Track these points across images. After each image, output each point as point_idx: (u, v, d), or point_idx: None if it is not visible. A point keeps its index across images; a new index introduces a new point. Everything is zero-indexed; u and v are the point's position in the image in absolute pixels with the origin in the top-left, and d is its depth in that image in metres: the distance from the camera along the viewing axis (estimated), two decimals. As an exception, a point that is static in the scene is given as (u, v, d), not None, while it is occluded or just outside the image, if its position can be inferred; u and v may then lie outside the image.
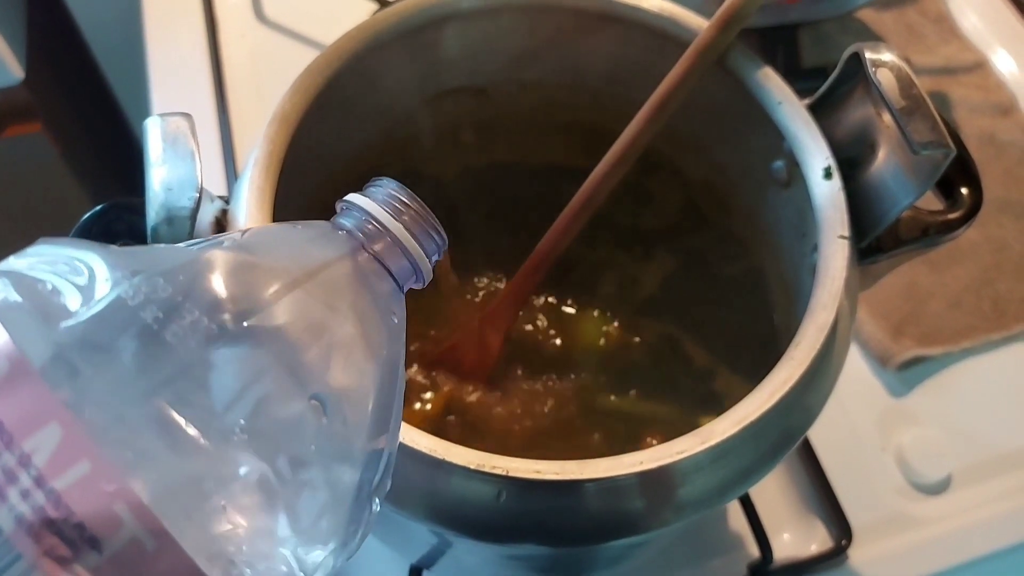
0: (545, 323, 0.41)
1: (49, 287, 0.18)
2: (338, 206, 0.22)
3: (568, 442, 0.38)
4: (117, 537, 0.16)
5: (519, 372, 0.39)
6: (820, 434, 0.43)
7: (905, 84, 0.29)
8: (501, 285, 0.41)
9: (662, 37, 0.35)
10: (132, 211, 0.28)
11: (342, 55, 0.33)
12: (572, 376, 0.39)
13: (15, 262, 0.19)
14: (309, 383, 0.19)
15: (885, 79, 0.29)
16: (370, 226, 0.21)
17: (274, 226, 0.26)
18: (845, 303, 0.29)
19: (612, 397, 0.39)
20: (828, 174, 0.31)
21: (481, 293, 0.41)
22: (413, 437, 0.25)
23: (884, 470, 0.43)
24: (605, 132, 0.35)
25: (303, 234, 0.22)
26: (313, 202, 0.34)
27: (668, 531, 0.27)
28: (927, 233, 0.31)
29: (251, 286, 0.19)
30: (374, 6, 0.54)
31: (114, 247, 0.19)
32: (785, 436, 0.28)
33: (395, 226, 0.21)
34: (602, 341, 0.40)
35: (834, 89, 0.32)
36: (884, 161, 0.30)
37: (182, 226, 0.27)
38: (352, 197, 0.22)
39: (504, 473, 0.25)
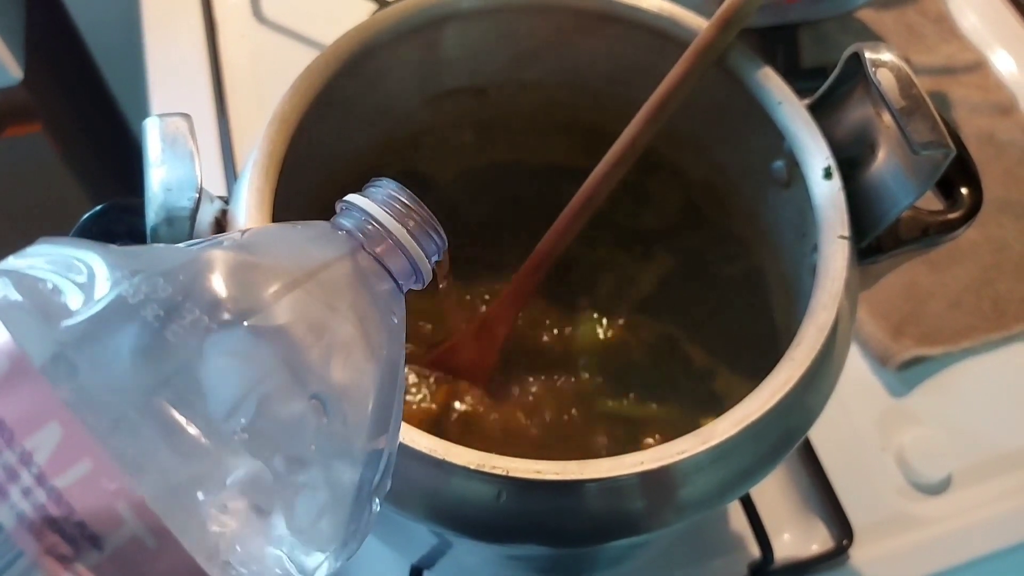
0: (545, 323, 0.41)
1: (50, 286, 0.18)
2: (338, 206, 0.22)
3: (568, 442, 0.37)
4: (118, 535, 0.16)
5: (519, 372, 0.39)
6: (821, 434, 0.43)
7: (905, 84, 0.29)
8: (501, 285, 0.41)
9: (662, 37, 0.35)
10: (131, 211, 0.28)
11: (342, 55, 0.33)
12: (572, 376, 0.39)
13: (15, 261, 0.19)
14: (309, 383, 0.19)
15: (885, 79, 0.29)
16: (370, 226, 0.21)
17: (274, 226, 0.26)
18: (845, 303, 0.29)
19: (612, 397, 0.39)
20: (828, 174, 0.31)
21: (481, 293, 0.41)
22: (413, 437, 0.25)
23: (885, 470, 0.43)
24: (605, 132, 0.35)
25: (303, 234, 0.22)
26: (313, 202, 0.34)
27: (669, 531, 0.27)
28: (927, 233, 0.31)
29: (251, 286, 0.19)
30: (374, 6, 0.54)
31: (114, 247, 0.19)
32: (786, 436, 0.28)
33: (395, 226, 0.21)
34: (602, 341, 0.40)
35: (834, 89, 0.32)
36: (884, 161, 0.30)
37: (182, 226, 0.27)
38: (352, 197, 0.22)
39: (504, 473, 0.25)
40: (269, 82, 0.53)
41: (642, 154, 0.35)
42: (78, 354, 0.17)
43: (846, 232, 0.29)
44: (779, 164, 0.34)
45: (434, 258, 0.22)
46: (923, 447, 0.43)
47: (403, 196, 0.22)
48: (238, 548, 0.17)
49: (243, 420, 0.18)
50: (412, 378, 0.38)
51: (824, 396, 0.29)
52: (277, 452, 0.18)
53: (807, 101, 0.33)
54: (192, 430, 0.17)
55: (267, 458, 0.18)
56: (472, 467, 0.25)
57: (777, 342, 0.35)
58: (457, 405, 0.38)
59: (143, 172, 0.27)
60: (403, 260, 0.21)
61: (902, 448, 0.44)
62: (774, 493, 0.42)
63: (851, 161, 0.31)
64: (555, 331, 0.40)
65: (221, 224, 0.29)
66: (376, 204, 0.21)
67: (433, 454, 0.25)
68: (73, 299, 0.17)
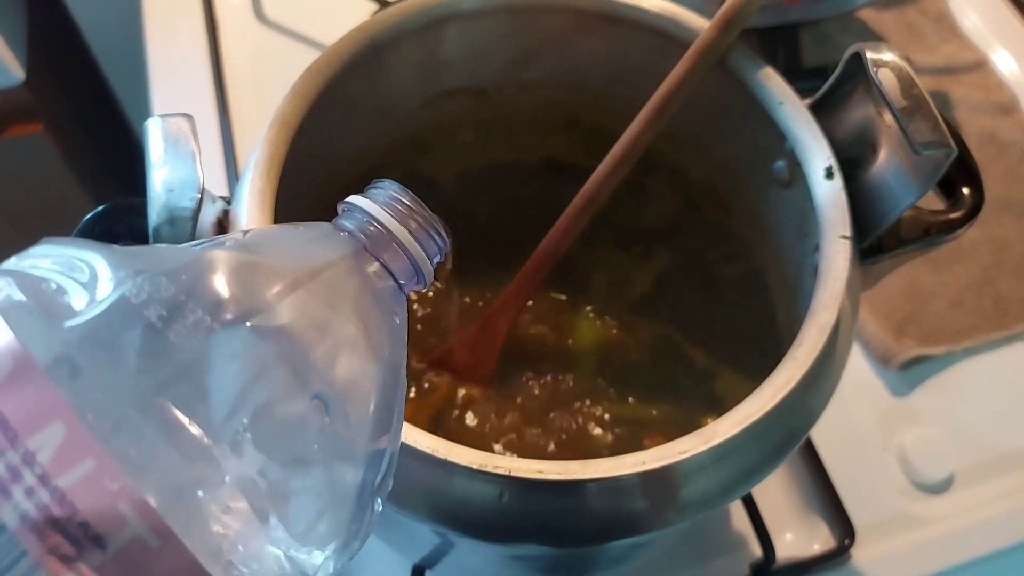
0: (546, 324, 0.41)
1: (53, 286, 0.18)
2: (340, 208, 0.22)
3: (570, 442, 0.37)
4: (121, 535, 0.16)
5: (520, 372, 0.39)
6: (822, 434, 0.43)
7: (906, 84, 0.29)
8: (502, 286, 0.41)
9: (663, 37, 0.35)
10: (133, 212, 0.28)
11: (342, 56, 0.33)
12: (573, 376, 0.39)
13: (19, 262, 0.19)
14: (311, 383, 0.19)
15: (886, 79, 0.29)
16: (372, 227, 0.21)
17: (276, 227, 0.26)
18: (847, 303, 0.29)
19: (613, 398, 0.39)
20: (829, 174, 0.31)
21: (482, 294, 0.41)
22: (415, 437, 0.25)
23: (886, 470, 0.43)
24: (606, 132, 0.35)
25: (305, 235, 0.22)
26: (314, 202, 0.34)
27: (671, 531, 0.27)
28: (929, 233, 0.31)
29: (254, 286, 0.19)
30: (374, 6, 0.54)
31: (117, 247, 0.19)
32: (788, 436, 0.28)
33: (397, 228, 0.21)
34: (603, 341, 0.40)
35: (835, 89, 0.32)
36: (885, 161, 0.30)
37: (184, 227, 0.27)
38: (354, 199, 0.22)
39: (506, 473, 0.25)
40: (270, 82, 0.54)
41: (643, 154, 0.35)
42: (81, 354, 0.17)
43: (848, 232, 0.29)
44: (780, 164, 0.34)
45: (436, 259, 0.22)
46: (925, 447, 0.43)
47: (405, 197, 0.22)
48: (240, 548, 0.17)
49: (245, 420, 0.18)
50: (414, 378, 0.38)
51: (826, 396, 0.29)
52: (279, 452, 0.18)
53: (808, 101, 0.33)
54: (195, 430, 0.17)
55: (269, 458, 0.18)
56: (474, 467, 0.25)
57: (778, 342, 0.35)
58: (459, 405, 0.38)
59: (145, 172, 0.27)
60: (405, 261, 0.22)
61: (904, 448, 0.44)
62: (776, 493, 0.42)
63: (852, 161, 0.31)
64: (556, 331, 0.40)
65: (223, 224, 0.29)
66: (378, 205, 0.21)
67: (435, 454, 0.25)
68: (76, 299, 0.17)
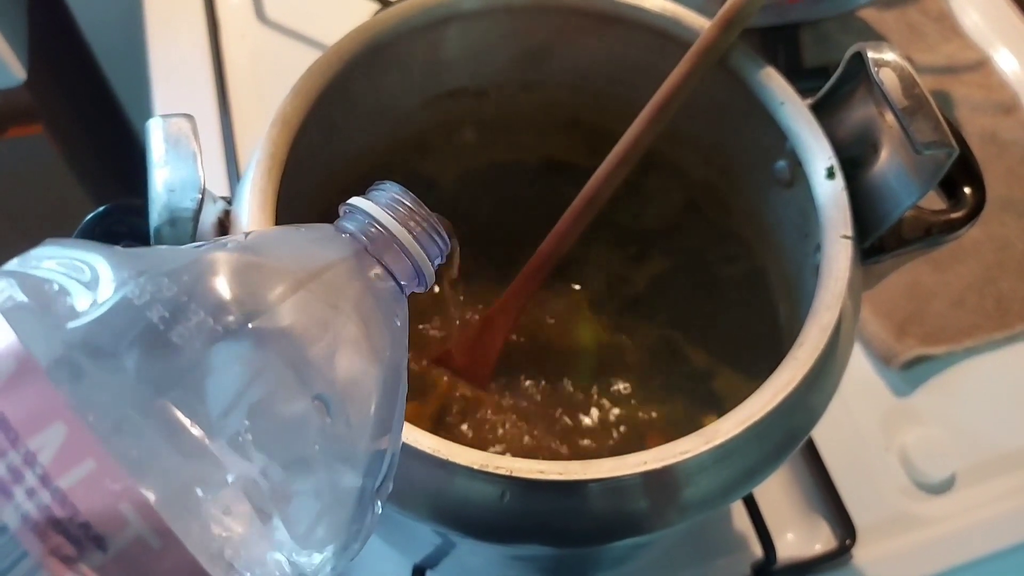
0: (546, 324, 0.41)
1: (55, 287, 0.18)
2: (341, 209, 0.22)
3: (570, 443, 0.38)
4: (122, 536, 0.16)
5: (520, 373, 0.39)
6: (824, 434, 0.43)
7: (908, 84, 0.29)
8: (503, 287, 0.41)
9: (664, 37, 0.35)
10: (134, 212, 0.28)
11: (343, 56, 0.33)
12: (573, 377, 0.39)
13: (21, 263, 0.19)
14: (313, 384, 0.19)
15: (887, 79, 0.29)
16: (373, 229, 0.21)
17: (278, 229, 0.26)
18: (848, 303, 0.29)
19: (614, 398, 0.39)
20: (831, 174, 0.31)
21: (483, 294, 0.41)
22: (416, 437, 0.25)
23: (888, 469, 0.43)
24: (607, 133, 0.35)
25: (306, 237, 0.22)
26: (315, 202, 0.34)
27: (672, 531, 0.27)
28: (930, 233, 0.31)
29: (255, 288, 0.19)
30: (375, 6, 0.54)
31: (119, 248, 0.19)
32: (789, 436, 0.28)
33: (398, 229, 0.21)
34: (603, 342, 0.40)
35: (836, 89, 0.32)
36: (887, 161, 0.30)
37: (185, 227, 0.27)
38: (355, 200, 0.22)
39: (508, 473, 0.25)
40: (271, 82, 0.54)
41: (643, 154, 0.35)
42: (83, 355, 0.17)
43: (849, 232, 0.29)
44: (781, 164, 0.34)
45: (437, 261, 0.22)
46: (926, 446, 0.43)
47: (406, 199, 0.22)
48: (241, 549, 0.17)
49: (246, 421, 0.18)
50: (414, 379, 0.38)
51: (827, 396, 0.29)
52: (280, 453, 0.18)
53: (809, 101, 0.33)
54: (196, 431, 0.17)
55: (270, 459, 0.18)
56: (475, 467, 0.25)
57: (779, 342, 0.35)
58: (459, 406, 0.38)
59: (146, 173, 0.27)
60: (406, 263, 0.22)
61: (905, 447, 0.43)
62: (777, 493, 0.42)
63: (854, 161, 0.31)
64: (556, 331, 0.40)
65: (224, 225, 0.29)
66: (379, 207, 0.22)
67: (436, 454, 0.25)
68: (78, 300, 0.17)
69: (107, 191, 0.73)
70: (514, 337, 0.39)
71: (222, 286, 0.19)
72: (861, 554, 0.41)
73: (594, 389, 0.39)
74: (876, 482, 0.43)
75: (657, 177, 0.41)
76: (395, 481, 0.22)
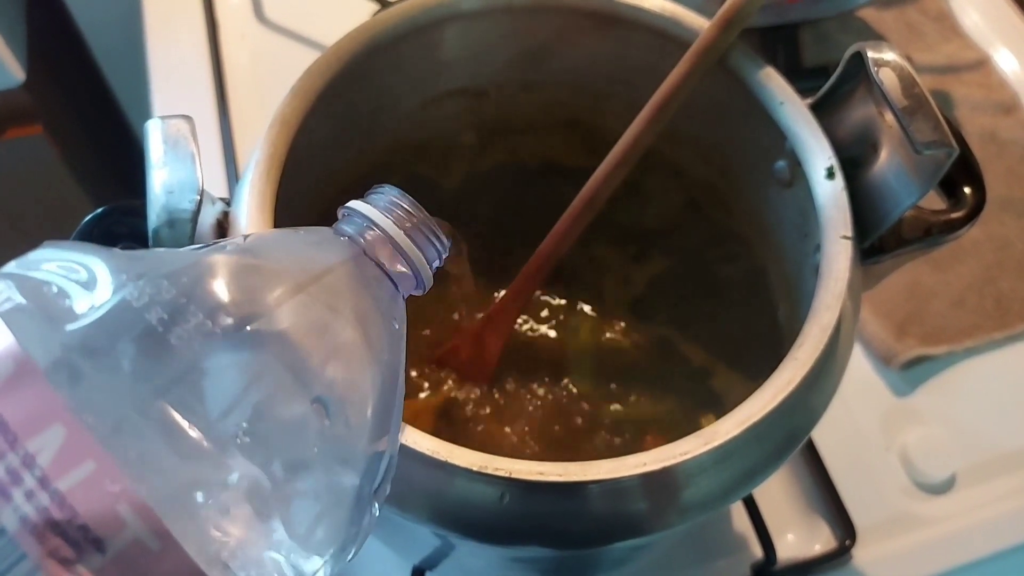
0: (546, 325, 0.41)
1: (54, 289, 0.18)
2: (340, 212, 0.23)
3: (570, 443, 0.37)
4: (120, 538, 0.16)
5: (520, 374, 0.39)
6: (824, 434, 0.43)
7: (907, 83, 0.29)
8: (503, 287, 0.41)
9: (663, 37, 0.35)
10: (133, 214, 0.28)
11: (342, 56, 0.33)
12: (573, 377, 0.39)
13: (19, 265, 0.19)
14: (311, 386, 0.19)
15: (887, 78, 0.29)
16: (371, 232, 0.21)
17: (276, 231, 0.26)
18: (848, 303, 0.29)
19: (614, 398, 0.39)
20: (831, 174, 0.31)
21: (483, 294, 0.41)
22: (416, 439, 0.25)
23: (888, 470, 0.43)
24: (606, 133, 0.35)
25: (305, 239, 0.22)
26: (314, 203, 0.34)
27: (672, 533, 0.27)
28: (930, 233, 0.31)
29: (254, 290, 0.19)
30: (375, 7, 0.54)
31: (117, 250, 0.19)
32: (789, 437, 0.28)
33: (396, 232, 0.21)
34: (603, 342, 0.40)
35: (836, 88, 0.32)
36: (887, 161, 0.30)
37: (183, 228, 0.27)
38: (354, 204, 0.22)
39: (507, 475, 0.25)
40: (270, 83, 0.54)
41: (643, 154, 0.35)
42: (82, 357, 0.17)
43: (849, 232, 0.29)
44: (781, 164, 0.34)
45: (435, 263, 0.22)
46: (927, 447, 0.43)
47: (404, 202, 0.22)
48: (239, 551, 0.17)
49: (245, 423, 0.18)
50: (414, 379, 0.38)
51: (827, 396, 0.29)
52: (279, 455, 0.18)
53: (809, 101, 0.33)
54: (194, 433, 0.17)
55: (269, 461, 0.18)
56: (475, 469, 0.25)
57: (779, 342, 0.35)
58: (459, 407, 0.38)
59: (144, 174, 0.27)
60: (404, 266, 0.22)
61: (906, 448, 0.43)
62: (777, 493, 0.42)
63: (853, 161, 0.31)
64: (556, 332, 0.40)
65: (223, 226, 0.29)
66: (378, 210, 0.22)
67: (436, 456, 0.25)
68: (77, 302, 0.17)
69: (106, 192, 0.73)
70: (514, 337, 0.39)
71: (221, 289, 0.19)
72: (861, 554, 0.41)
73: (593, 389, 0.39)
74: (876, 482, 0.43)
75: (657, 177, 0.41)
76: (395, 483, 0.22)
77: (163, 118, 0.27)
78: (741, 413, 0.26)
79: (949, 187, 0.32)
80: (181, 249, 0.20)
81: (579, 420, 0.38)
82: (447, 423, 0.37)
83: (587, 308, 0.41)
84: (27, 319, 0.17)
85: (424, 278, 0.22)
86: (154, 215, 0.26)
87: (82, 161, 0.71)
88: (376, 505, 0.21)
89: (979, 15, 0.60)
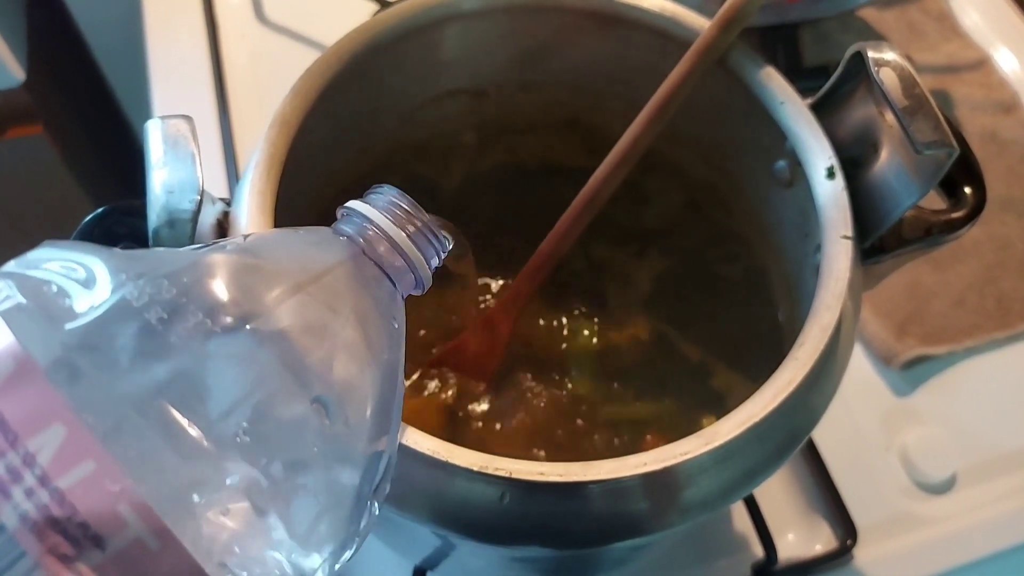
0: (546, 325, 0.40)
1: (54, 289, 0.18)
2: (339, 212, 0.23)
3: (570, 443, 0.37)
4: (120, 536, 0.16)
5: (520, 373, 0.39)
6: (824, 434, 0.43)
7: (908, 83, 0.29)
8: (503, 287, 0.41)
9: (663, 37, 0.35)
10: (133, 214, 0.28)
11: (342, 56, 0.33)
12: (573, 377, 0.39)
13: (19, 264, 0.19)
14: (311, 385, 0.19)
15: (888, 78, 0.29)
16: (371, 232, 0.21)
17: (276, 231, 0.26)
18: (849, 303, 0.29)
19: (614, 398, 0.39)
20: (831, 174, 0.31)
21: (483, 295, 0.41)
22: (416, 439, 0.25)
23: (889, 470, 0.43)
24: (606, 133, 0.35)
25: (305, 239, 0.22)
26: (314, 203, 0.34)
27: (672, 533, 0.27)
28: (930, 232, 0.31)
29: (254, 290, 0.19)
30: (375, 7, 0.54)
31: (117, 250, 0.19)
32: (790, 436, 0.28)
33: (396, 232, 0.22)
34: (603, 342, 0.40)
35: (836, 88, 0.32)
36: (887, 161, 0.30)
37: (183, 228, 0.27)
38: (353, 204, 0.22)
39: (507, 475, 0.25)
40: (270, 83, 0.54)
41: (643, 154, 0.35)
42: (82, 356, 0.17)
43: (849, 232, 0.29)
44: (781, 164, 0.34)
45: (434, 263, 0.22)
46: (927, 446, 0.43)
47: (404, 202, 0.22)
48: (238, 550, 0.17)
49: (245, 423, 0.18)
50: (414, 379, 0.38)
51: (828, 396, 0.29)
52: (278, 454, 0.18)
53: (809, 100, 0.33)
54: (194, 432, 0.17)
55: (268, 460, 0.18)
56: (475, 469, 0.25)
57: (779, 342, 0.35)
58: (459, 407, 0.38)
59: (145, 174, 0.27)
60: (403, 265, 0.22)
61: (906, 448, 0.43)
62: (778, 493, 0.42)
63: (854, 161, 0.31)
64: (557, 332, 0.40)
65: (223, 226, 0.29)
66: (377, 210, 0.22)
67: (436, 456, 0.25)
68: (77, 302, 0.17)
69: (106, 192, 0.73)
70: (515, 337, 0.39)
71: (220, 288, 0.19)
72: (862, 554, 0.41)
73: (594, 389, 0.39)
74: (877, 482, 0.43)
75: (657, 177, 0.41)
76: (395, 483, 0.22)
77: (163, 118, 0.27)
78: (742, 413, 0.26)
79: (949, 187, 0.32)
80: (181, 249, 0.20)
81: (579, 420, 0.38)
82: (448, 423, 0.37)
83: (587, 308, 0.41)
84: (27, 318, 0.17)
85: (423, 277, 0.22)
86: (154, 215, 0.26)
87: (82, 161, 0.71)
88: (376, 504, 0.21)
89: (979, 15, 0.60)
